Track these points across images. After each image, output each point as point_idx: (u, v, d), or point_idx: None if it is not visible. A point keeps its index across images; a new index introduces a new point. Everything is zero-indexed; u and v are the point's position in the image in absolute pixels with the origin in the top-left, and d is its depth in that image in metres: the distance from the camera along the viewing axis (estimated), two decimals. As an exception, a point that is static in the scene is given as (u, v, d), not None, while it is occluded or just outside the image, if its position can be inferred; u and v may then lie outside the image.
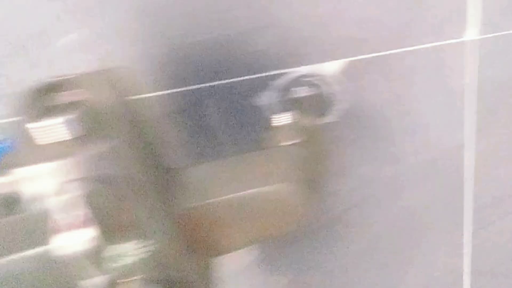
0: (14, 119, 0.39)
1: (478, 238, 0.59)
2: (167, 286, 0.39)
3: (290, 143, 0.44)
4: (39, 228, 0.37)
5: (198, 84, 0.46)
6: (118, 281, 0.38)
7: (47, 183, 0.35)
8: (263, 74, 0.47)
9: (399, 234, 0.60)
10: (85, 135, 0.34)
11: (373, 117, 0.51)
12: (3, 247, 0.40)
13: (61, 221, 0.34)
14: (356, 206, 0.55)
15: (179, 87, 0.46)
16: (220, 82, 0.47)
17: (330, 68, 0.47)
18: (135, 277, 0.38)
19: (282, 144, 0.44)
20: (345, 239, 0.59)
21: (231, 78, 0.47)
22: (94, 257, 0.34)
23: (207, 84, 0.46)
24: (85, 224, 0.33)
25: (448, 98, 0.51)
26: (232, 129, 0.48)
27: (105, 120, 0.35)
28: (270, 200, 0.41)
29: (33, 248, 0.38)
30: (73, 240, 0.34)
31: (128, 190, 0.35)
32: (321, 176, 0.44)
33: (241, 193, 0.40)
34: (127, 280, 0.38)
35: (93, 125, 0.34)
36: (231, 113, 0.48)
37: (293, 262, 0.58)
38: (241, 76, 0.47)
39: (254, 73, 0.47)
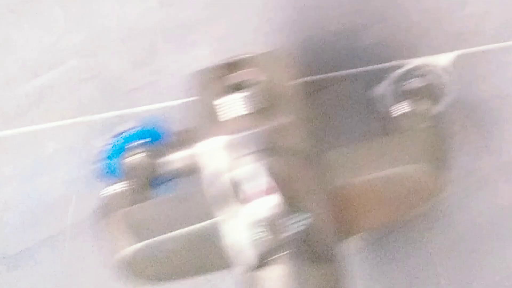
0: (191, 98, 0.45)
1: None
2: (315, 263, 0.42)
3: (414, 128, 0.48)
4: (217, 201, 0.42)
5: (323, 74, 0.50)
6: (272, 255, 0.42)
7: (227, 156, 0.39)
8: (382, 65, 0.52)
9: (491, 229, 0.61)
10: (262, 110, 0.39)
11: (478, 109, 0.55)
12: (176, 222, 0.45)
13: (244, 191, 0.39)
14: (451, 196, 0.55)
15: (307, 76, 0.50)
16: (343, 72, 0.51)
17: (442, 60, 0.52)
18: (287, 251, 0.41)
19: (405, 130, 0.49)
20: (435, 231, 0.59)
21: (353, 68, 0.51)
22: (272, 225, 0.38)
23: (330, 74, 0.49)
24: (267, 192, 0.38)
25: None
26: (355, 118, 0.53)
27: (279, 97, 0.39)
28: (405, 180, 0.45)
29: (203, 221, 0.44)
30: (255, 209, 0.39)
31: (300, 163, 0.39)
32: (448, 159, 0.47)
33: (378, 173, 0.44)
34: (280, 253, 0.41)
35: (269, 101, 0.39)
36: (353, 102, 0.52)
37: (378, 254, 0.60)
38: (361, 67, 0.51)
39: (374, 64, 0.51)
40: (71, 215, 0.55)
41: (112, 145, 0.53)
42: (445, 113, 0.53)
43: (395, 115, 0.50)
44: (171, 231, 0.45)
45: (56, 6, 0.48)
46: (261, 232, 0.41)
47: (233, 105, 0.39)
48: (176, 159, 0.41)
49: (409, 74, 0.52)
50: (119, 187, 0.50)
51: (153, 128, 0.53)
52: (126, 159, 0.52)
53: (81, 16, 0.48)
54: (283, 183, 0.38)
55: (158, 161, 0.52)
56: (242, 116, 0.39)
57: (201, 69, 0.42)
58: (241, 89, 0.39)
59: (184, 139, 0.41)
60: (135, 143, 0.52)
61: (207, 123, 0.40)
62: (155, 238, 0.45)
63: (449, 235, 0.62)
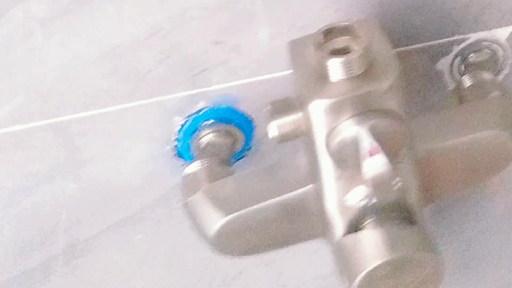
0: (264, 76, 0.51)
1: None
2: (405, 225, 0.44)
3: (484, 98, 0.51)
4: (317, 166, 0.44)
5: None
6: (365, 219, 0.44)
7: (329, 120, 0.41)
8: (448, 39, 0.53)
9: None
10: (362, 75, 0.41)
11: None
12: (263, 193, 0.47)
13: (348, 153, 0.41)
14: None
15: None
16: (410, 47, 0.53)
17: (500, 34, 0.53)
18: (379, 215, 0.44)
19: (476, 99, 0.51)
20: (482, 203, 0.61)
21: (419, 43, 0.53)
22: (379, 184, 0.40)
23: (397, 50, 0.51)
24: (371, 153, 0.40)
25: None
26: (424, 90, 0.54)
27: (377, 63, 0.41)
28: (482, 146, 0.47)
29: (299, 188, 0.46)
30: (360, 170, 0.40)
31: (399, 127, 0.41)
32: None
33: (457, 140, 0.47)
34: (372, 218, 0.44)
35: (368, 66, 0.41)
36: (421, 75, 0.54)
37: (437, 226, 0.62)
38: (425, 42, 0.53)
39: (437, 39, 0.53)
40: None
41: (186, 125, 0.54)
42: (507, 84, 0.56)
43: (463, 86, 0.53)
44: (259, 202, 0.47)
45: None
46: (367, 193, 0.42)
47: (334, 70, 0.40)
48: (275, 126, 0.43)
49: (471, 48, 0.54)
50: (198, 165, 0.51)
51: (226, 107, 0.54)
52: (201, 139, 0.54)
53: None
54: (385, 145, 0.40)
55: (233, 138, 0.54)
56: (343, 80, 0.41)
57: (297, 38, 0.44)
58: (340, 54, 0.40)
59: (281, 107, 0.43)
60: (209, 122, 0.54)
61: (307, 89, 0.41)
62: (244, 210, 0.47)
63: (502, 204, 0.64)
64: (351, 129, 0.40)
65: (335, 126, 0.41)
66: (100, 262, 0.59)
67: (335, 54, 0.41)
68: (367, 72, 0.41)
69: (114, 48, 0.50)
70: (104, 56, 0.50)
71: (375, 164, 0.39)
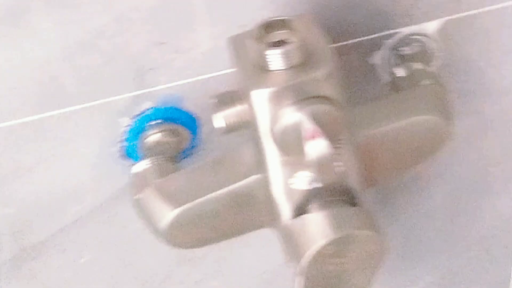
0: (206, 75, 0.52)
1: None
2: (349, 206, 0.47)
3: (417, 85, 0.54)
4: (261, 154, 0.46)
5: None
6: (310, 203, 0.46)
7: (271, 108, 0.43)
8: (379, 34, 0.56)
9: (474, 185, 0.66)
10: (300, 64, 0.43)
11: (463, 71, 0.59)
12: (212, 184, 0.49)
13: (290, 139, 0.43)
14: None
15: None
16: (345, 42, 0.55)
17: (430, 27, 0.56)
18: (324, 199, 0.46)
19: (410, 88, 0.54)
20: (426, 191, 0.64)
21: (354, 39, 0.55)
22: (321, 166, 0.42)
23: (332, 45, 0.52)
24: (312, 137, 0.42)
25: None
26: (359, 83, 0.57)
27: (314, 53, 0.44)
28: (417, 130, 0.50)
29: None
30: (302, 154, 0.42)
31: (338, 112, 0.43)
32: (451, 110, 0.53)
33: (393, 125, 0.49)
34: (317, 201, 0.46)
35: (305, 57, 0.43)
36: (355, 69, 0.56)
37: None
38: (358, 37, 0.55)
39: (369, 34, 0.56)
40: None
41: (132, 126, 0.55)
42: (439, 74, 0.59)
43: (397, 77, 0.56)
44: (207, 194, 0.48)
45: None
46: (310, 176, 0.44)
47: (273, 61, 0.42)
48: (221, 117, 0.44)
49: (402, 41, 0.56)
50: (146, 163, 0.53)
51: (171, 106, 0.56)
52: (148, 138, 0.55)
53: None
54: (325, 130, 0.42)
55: (179, 137, 0.55)
56: (282, 70, 0.43)
57: (237, 33, 0.46)
58: (279, 46, 0.43)
59: (226, 99, 0.45)
60: (155, 122, 0.55)
61: (248, 80, 0.43)
62: (192, 202, 0.48)
63: (443, 190, 0.67)
64: (292, 115, 0.42)
65: (277, 114, 0.43)
66: (51, 266, 0.60)
67: (274, 46, 0.43)
68: (304, 62, 0.43)
69: (59, 51, 0.51)
70: (50, 59, 0.51)
71: (317, 146, 0.41)
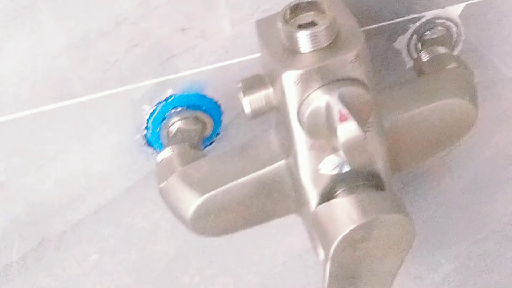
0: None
1: None
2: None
3: (443, 69, 0.53)
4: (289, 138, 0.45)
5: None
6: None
7: (299, 91, 0.43)
8: (404, 18, 0.55)
9: (496, 173, 0.65)
10: (329, 46, 0.43)
11: (486, 56, 0.59)
12: (237, 171, 0.48)
13: (319, 122, 0.43)
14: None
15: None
16: (369, 27, 0.55)
17: (455, 10, 0.56)
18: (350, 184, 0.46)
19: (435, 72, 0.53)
20: (447, 178, 0.64)
21: (378, 23, 0.55)
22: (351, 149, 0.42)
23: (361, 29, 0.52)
24: (341, 120, 0.41)
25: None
26: (384, 68, 0.56)
27: (343, 35, 0.43)
28: (444, 114, 0.50)
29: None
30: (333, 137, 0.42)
31: (367, 95, 0.43)
32: (476, 94, 0.52)
33: (420, 108, 0.49)
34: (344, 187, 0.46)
35: (337, 37, 0.43)
36: (378, 55, 0.56)
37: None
38: (385, 21, 0.55)
39: (396, 18, 0.55)
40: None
41: (155, 113, 0.55)
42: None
43: (421, 62, 0.55)
44: (233, 181, 0.48)
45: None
46: (338, 160, 0.44)
47: (302, 43, 0.42)
48: (246, 102, 0.44)
49: (426, 26, 0.56)
50: (171, 151, 0.52)
51: (194, 93, 0.55)
52: (171, 126, 0.54)
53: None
54: (354, 112, 0.41)
55: (202, 124, 0.55)
56: (311, 52, 0.42)
57: (264, 17, 0.45)
58: (308, 28, 0.42)
59: (251, 84, 0.44)
60: (178, 109, 0.55)
61: (277, 62, 0.43)
62: (218, 189, 0.48)
63: (463, 177, 0.67)
64: (321, 98, 0.42)
65: (306, 97, 0.42)
66: (73, 256, 0.59)
67: (301, 28, 0.42)
68: (333, 43, 0.43)
69: (82, 38, 0.51)
70: (72, 46, 0.51)
71: (346, 129, 0.41)
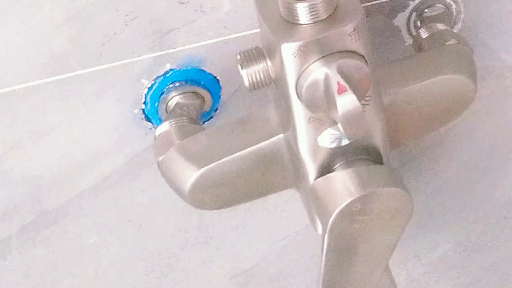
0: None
1: None
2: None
3: (442, 45, 0.53)
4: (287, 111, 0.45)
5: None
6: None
7: (298, 64, 0.43)
8: None
9: (494, 152, 0.65)
10: (327, 18, 0.43)
11: (485, 34, 0.59)
12: (235, 145, 0.48)
13: (317, 94, 0.42)
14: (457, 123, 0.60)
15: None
16: (368, 3, 0.54)
17: None
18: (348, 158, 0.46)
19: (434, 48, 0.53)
20: (445, 156, 0.64)
21: (376, 0, 0.54)
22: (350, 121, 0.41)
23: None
24: (339, 92, 0.41)
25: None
26: (383, 45, 0.56)
27: (344, 6, 0.43)
28: (444, 89, 0.49)
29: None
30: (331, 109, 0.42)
31: (367, 66, 0.43)
32: (475, 70, 0.52)
33: (420, 83, 0.49)
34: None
35: (336, 10, 0.43)
36: (378, 32, 0.55)
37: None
38: None
39: None
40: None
41: (153, 88, 0.55)
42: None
43: (421, 38, 0.55)
44: (231, 154, 0.48)
45: None
46: (337, 133, 0.44)
47: (301, 14, 0.42)
48: (245, 74, 0.44)
49: (426, 3, 0.56)
50: (169, 125, 0.52)
51: (192, 68, 0.55)
52: (169, 101, 0.54)
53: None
54: (352, 85, 0.41)
55: (200, 99, 0.55)
56: (310, 24, 0.42)
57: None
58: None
59: (249, 57, 0.44)
60: (177, 84, 0.55)
61: (276, 34, 0.43)
62: (216, 162, 0.48)
63: (461, 157, 0.67)
64: (320, 70, 0.42)
65: (305, 69, 0.42)
66: (70, 231, 0.60)
67: (301, 0, 0.42)
68: (332, 16, 0.43)
69: (79, 11, 0.51)
70: (70, 19, 0.51)
71: (345, 101, 0.41)
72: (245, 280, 0.67)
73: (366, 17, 0.56)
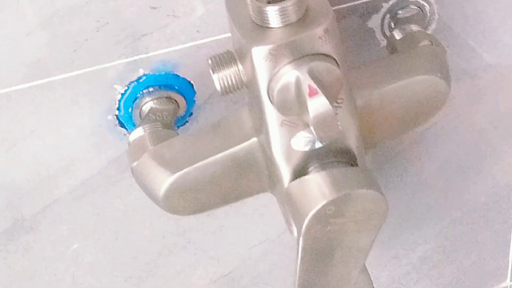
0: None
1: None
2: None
3: (416, 47, 0.53)
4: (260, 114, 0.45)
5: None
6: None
7: (268, 67, 0.43)
8: None
9: (472, 152, 0.66)
10: (298, 21, 0.42)
11: (459, 35, 0.59)
12: (209, 149, 0.48)
13: (288, 97, 0.42)
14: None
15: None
16: (342, 6, 0.55)
17: None
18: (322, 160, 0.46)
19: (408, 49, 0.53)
20: (423, 158, 0.64)
21: (351, 2, 0.54)
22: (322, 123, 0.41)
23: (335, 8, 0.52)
24: (310, 94, 0.41)
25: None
26: (357, 46, 0.56)
27: (314, 9, 0.43)
28: (417, 90, 0.49)
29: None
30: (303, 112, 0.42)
31: (338, 69, 0.43)
32: (448, 71, 0.52)
33: (393, 84, 0.49)
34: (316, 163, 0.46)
35: (306, 13, 0.43)
36: (352, 34, 0.56)
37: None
38: (359, 0, 0.55)
39: None
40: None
41: (126, 93, 0.54)
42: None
43: (395, 39, 0.55)
44: (205, 159, 0.48)
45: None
46: (310, 136, 0.44)
47: (271, 18, 0.42)
48: (216, 79, 0.44)
49: (399, 4, 0.56)
50: (143, 130, 0.52)
51: (166, 73, 0.55)
52: (143, 106, 0.54)
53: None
54: (323, 88, 0.41)
55: (175, 104, 0.54)
56: (280, 27, 0.42)
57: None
58: (276, 3, 0.42)
59: (221, 61, 0.44)
60: (150, 89, 0.54)
61: (247, 38, 0.42)
62: (190, 167, 0.48)
63: (440, 157, 0.67)
64: (291, 73, 0.42)
65: (276, 72, 0.42)
66: (46, 238, 0.59)
67: (272, 3, 0.42)
68: (303, 19, 0.43)
69: (51, 17, 0.50)
70: (42, 25, 0.50)
71: (316, 104, 0.41)
72: (225, 285, 0.67)
73: (340, 19, 0.57)
